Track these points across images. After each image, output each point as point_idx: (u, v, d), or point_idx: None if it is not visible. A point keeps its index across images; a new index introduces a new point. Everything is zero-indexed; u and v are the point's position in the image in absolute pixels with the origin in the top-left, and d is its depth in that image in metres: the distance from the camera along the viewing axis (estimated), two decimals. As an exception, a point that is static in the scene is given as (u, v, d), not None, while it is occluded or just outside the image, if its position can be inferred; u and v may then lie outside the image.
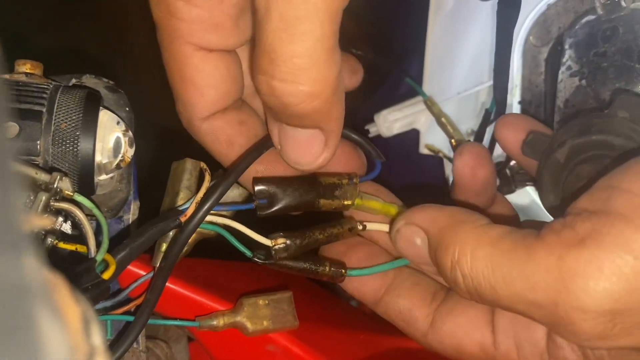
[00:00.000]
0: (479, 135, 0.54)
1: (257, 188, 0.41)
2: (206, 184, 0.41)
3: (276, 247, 0.41)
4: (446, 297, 0.42)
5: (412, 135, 0.62)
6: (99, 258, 0.33)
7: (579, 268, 0.30)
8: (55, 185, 0.33)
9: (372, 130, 0.63)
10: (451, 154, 0.59)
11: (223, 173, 0.42)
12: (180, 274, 0.45)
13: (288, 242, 0.41)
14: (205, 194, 0.40)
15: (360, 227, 0.42)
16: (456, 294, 0.40)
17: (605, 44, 0.47)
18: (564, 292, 0.30)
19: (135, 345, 0.47)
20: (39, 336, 0.12)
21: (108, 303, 0.42)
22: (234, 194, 0.45)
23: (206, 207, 0.40)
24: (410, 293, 0.42)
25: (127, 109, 0.47)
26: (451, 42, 0.57)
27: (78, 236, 0.36)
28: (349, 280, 0.43)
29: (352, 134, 0.44)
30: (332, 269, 0.42)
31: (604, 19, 0.46)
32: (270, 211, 0.41)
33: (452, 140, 0.55)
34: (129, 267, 0.43)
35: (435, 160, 0.63)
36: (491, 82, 0.52)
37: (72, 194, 0.36)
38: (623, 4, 0.46)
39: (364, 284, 0.43)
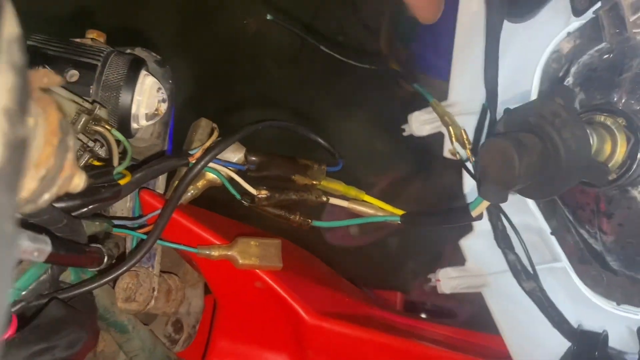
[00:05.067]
0: (477, 130, 0.58)
1: (249, 157, 0.52)
2: (213, 137, 0.51)
3: (260, 195, 0.51)
4: None
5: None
6: (118, 168, 0.44)
7: None
8: (95, 112, 0.44)
9: (407, 129, 0.65)
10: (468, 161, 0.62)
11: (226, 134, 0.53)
12: (192, 214, 0.56)
13: (269, 194, 0.51)
14: (211, 145, 0.51)
15: (325, 199, 0.54)
16: None
17: (599, 61, 0.53)
18: None
19: (151, 268, 0.58)
20: None
21: (134, 224, 0.54)
22: (238, 157, 0.55)
23: (212, 154, 0.50)
24: None
25: (170, 81, 0.59)
26: (476, 59, 0.60)
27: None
28: None
29: (317, 137, 0.56)
30: (301, 218, 0.52)
31: (609, 46, 0.50)
32: (257, 175, 0.52)
33: (450, 128, 0.60)
34: (151, 200, 0.54)
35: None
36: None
37: (109, 127, 0.47)
38: (626, 34, 0.51)
39: None
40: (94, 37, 0.52)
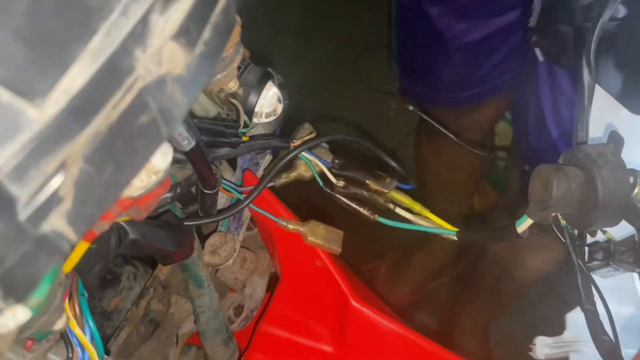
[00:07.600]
0: None
1: (335, 160, 0.66)
2: (310, 136, 0.66)
3: (338, 184, 0.64)
4: None
5: None
6: (242, 129, 0.60)
7: None
8: (237, 90, 0.61)
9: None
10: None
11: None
12: (280, 198, 0.69)
13: (345, 184, 0.65)
14: (307, 140, 0.66)
15: (392, 207, 0.65)
16: None
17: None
18: None
19: (236, 235, 0.71)
20: None
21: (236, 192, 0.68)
22: (327, 157, 0.69)
23: (308, 144, 0.65)
24: None
25: (286, 102, 0.76)
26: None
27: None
28: None
29: (395, 163, 0.68)
30: (369, 212, 0.64)
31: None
32: (339, 172, 0.66)
33: None
34: (251, 179, 0.69)
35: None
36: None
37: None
38: None
39: None
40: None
